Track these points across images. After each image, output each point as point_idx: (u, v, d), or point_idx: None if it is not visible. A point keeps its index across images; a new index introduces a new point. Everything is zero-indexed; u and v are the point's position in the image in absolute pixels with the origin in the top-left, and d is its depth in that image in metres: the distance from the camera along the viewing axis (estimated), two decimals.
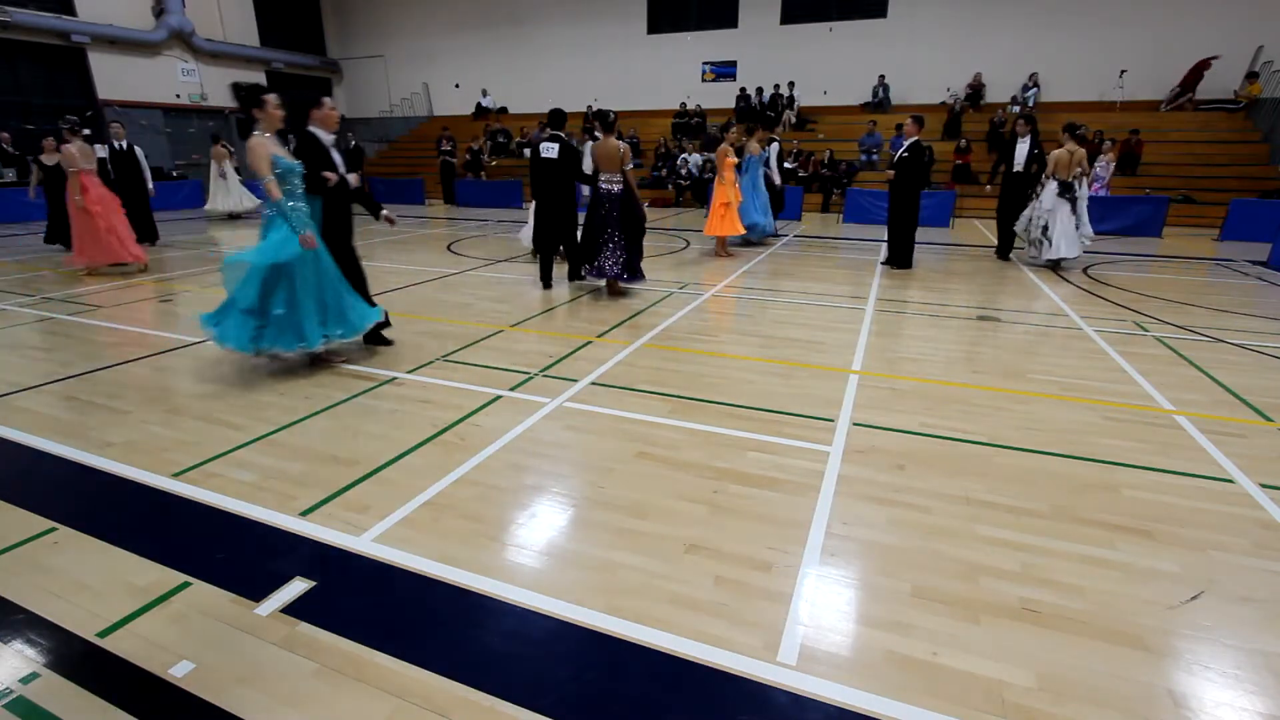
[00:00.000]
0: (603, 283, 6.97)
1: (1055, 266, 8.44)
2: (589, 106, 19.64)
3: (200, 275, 7.95)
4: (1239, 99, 14.52)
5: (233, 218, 14.10)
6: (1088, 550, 2.47)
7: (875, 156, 15.95)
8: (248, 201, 14.16)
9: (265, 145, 3.96)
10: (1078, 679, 1.87)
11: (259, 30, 21.13)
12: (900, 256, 8.38)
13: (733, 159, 9.22)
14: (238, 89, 4.11)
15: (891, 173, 8.25)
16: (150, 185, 10.36)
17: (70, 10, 16.42)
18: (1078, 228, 8.39)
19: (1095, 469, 3.11)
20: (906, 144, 8.02)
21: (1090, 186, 12.94)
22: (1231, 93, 14.65)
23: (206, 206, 14.13)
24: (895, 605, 2.17)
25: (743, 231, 9.53)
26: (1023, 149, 8.72)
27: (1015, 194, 8.92)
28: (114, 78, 17.32)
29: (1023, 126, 8.70)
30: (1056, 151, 8.20)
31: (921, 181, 8.28)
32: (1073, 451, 3.28)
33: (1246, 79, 14.44)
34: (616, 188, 6.44)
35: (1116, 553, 2.46)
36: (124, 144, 10.09)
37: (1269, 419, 3.72)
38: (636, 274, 6.68)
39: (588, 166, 6.88)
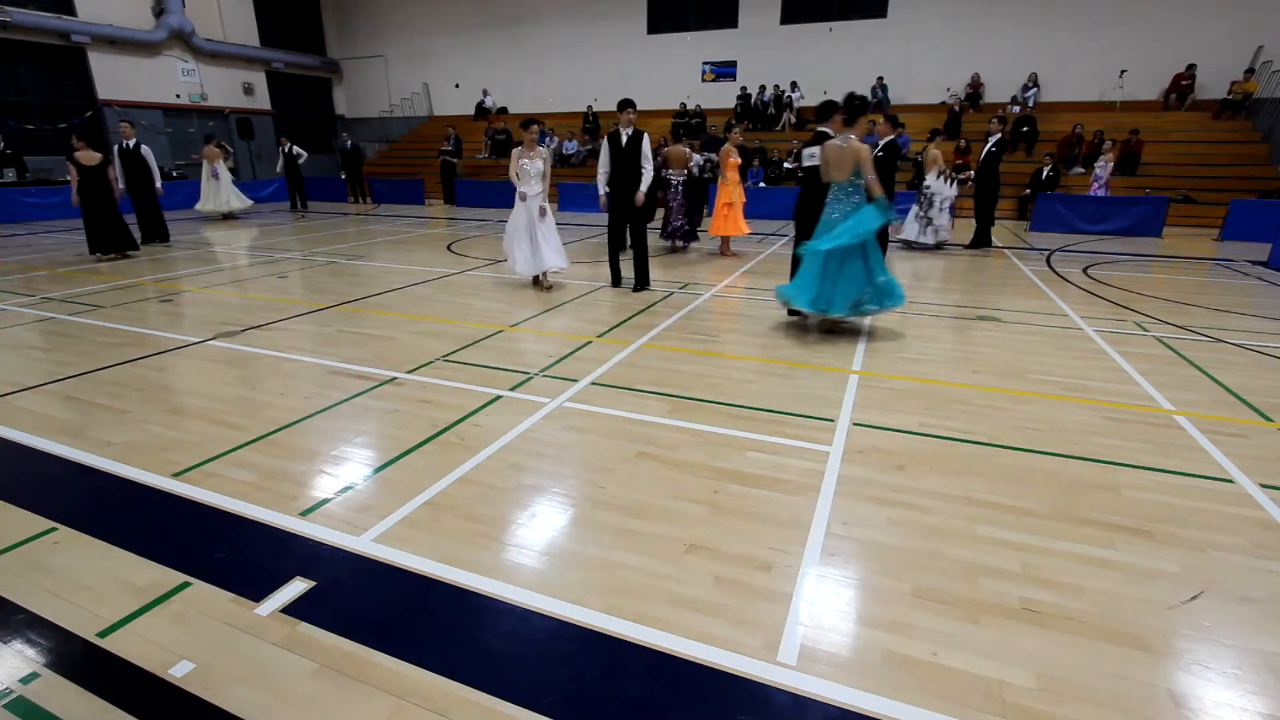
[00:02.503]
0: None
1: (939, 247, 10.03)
2: (589, 107, 19.70)
3: (200, 275, 7.95)
4: (1234, 94, 14.53)
5: (227, 217, 14.08)
6: (1088, 550, 2.47)
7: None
8: (236, 202, 14.09)
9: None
10: (1078, 679, 1.87)
11: (259, 30, 21.14)
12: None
13: (735, 159, 9.20)
14: (852, 97, 5.10)
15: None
16: (159, 184, 10.32)
17: (70, 10, 16.43)
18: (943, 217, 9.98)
19: (1095, 469, 3.11)
20: (882, 143, 8.06)
21: (1092, 186, 13.00)
22: (1229, 83, 14.60)
23: (198, 206, 14.07)
24: (895, 605, 2.17)
25: (746, 232, 9.52)
26: (985, 146, 9.72)
27: (982, 185, 10.01)
28: (114, 78, 17.33)
29: (996, 125, 9.60)
30: (933, 150, 9.65)
31: (892, 180, 8.22)
32: (1073, 451, 3.28)
33: (1245, 75, 14.44)
34: (679, 178, 9.65)
35: (1116, 553, 2.46)
36: (131, 143, 10.10)
37: (1269, 419, 3.72)
38: (694, 236, 10.05)
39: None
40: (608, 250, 7.25)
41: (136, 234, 10.52)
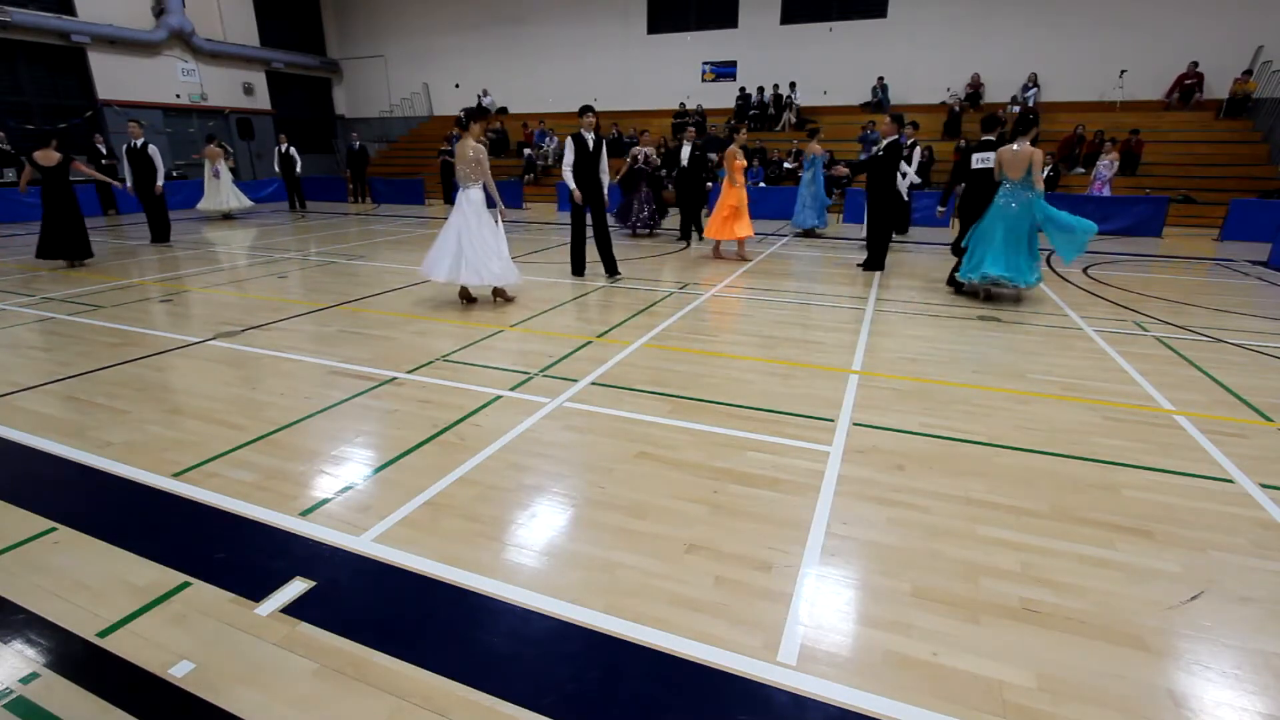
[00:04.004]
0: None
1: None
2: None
3: (200, 275, 7.95)
4: (1235, 94, 14.53)
5: (227, 217, 14.07)
6: (1088, 550, 2.47)
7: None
8: (235, 202, 14.07)
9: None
10: (1078, 679, 1.87)
11: (259, 30, 21.13)
12: (872, 259, 8.34)
13: (741, 161, 8.88)
14: (1027, 113, 6.33)
15: (864, 175, 8.37)
16: (159, 183, 10.26)
17: (70, 10, 16.42)
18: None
19: (1095, 469, 3.11)
20: (885, 143, 8.02)
21: (1093, 185, 13.00)
22: (1230, 83, 14.58)
23: (199, 205, 14.08)
24: (895, 605, 2.17)
25: (751, 234, 9.17)
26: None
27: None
28: (114, 78, 17.32)
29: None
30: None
31: (894, 178, 8.26)
32: (1073, 451, 3.28)
33: (1244, 75, 14.44)
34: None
35: (1116, 553, 2.46)
36: (139, 143, 10.10)
37: (1269, 419, 3.72)
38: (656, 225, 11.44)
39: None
40: (571, 242, 7.72)
41: (147, 233, 10.59)
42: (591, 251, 7.76)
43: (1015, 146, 6.21)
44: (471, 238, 6.00)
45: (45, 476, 3.08)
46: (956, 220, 8.21)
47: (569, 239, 7.79)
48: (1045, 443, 3.38)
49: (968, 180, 7.02)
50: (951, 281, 7.11)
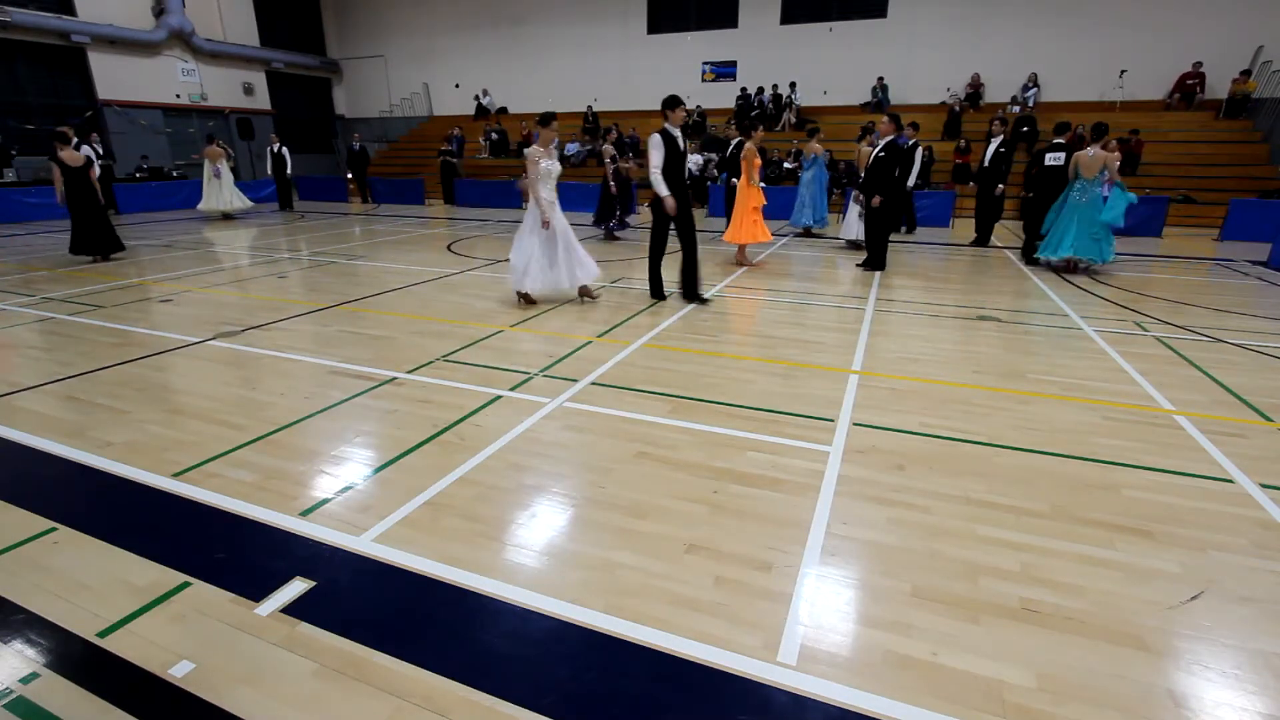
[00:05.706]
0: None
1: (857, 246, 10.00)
2: (588, 107, 19.69)
3: (200, 275, 7.95)
4: (1234, 94, 14.53)
5: (226, 217, 14.07)
6: (1088, 550, 2.47)
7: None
8: (238, 202, 14.07)
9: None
10: (1078, 679, 1.87)
11: (259, 30, 21.16)
12: (872, 258, 8.32)
13: (759, 160, 8.70)
14: (1099, 125, 7.90)
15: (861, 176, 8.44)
16: (94, 171, 9.93)
17: (70, 10, 16.44)
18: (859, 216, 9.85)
19: (1095, 469, 3.11)
20: (882, 144, 8.00)
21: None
22: (1229, 81, 14.58)
23: (200, 205, 14.09)
24: (895, 605, 2.17)
25: (770, 238, 9.05)
26: (990, 147, 9.80)
27: (987, 186, 10.14)
28: (114, 78, 17.34)
29: (997, 127, 9.79)
30: (865, 149, 9.74)
31: (899, 181, 8.30)
32: (1073, 451, 3.28)
33: (1242, 75, 14.44)
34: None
35: (1116, 553, 2.46)
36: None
37: (1269, 419, 3.72)
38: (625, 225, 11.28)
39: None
40: (650, 259, 6.54)
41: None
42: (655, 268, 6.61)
43: (1090, 151, 7.58)
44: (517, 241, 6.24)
45: (45, 476, 3.08)
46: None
47: (645, 254, 6.64)
48: (1045, 443, 3.38)
49: (1039, 175, 8.48)
50: (1031, 260, 8.54)
